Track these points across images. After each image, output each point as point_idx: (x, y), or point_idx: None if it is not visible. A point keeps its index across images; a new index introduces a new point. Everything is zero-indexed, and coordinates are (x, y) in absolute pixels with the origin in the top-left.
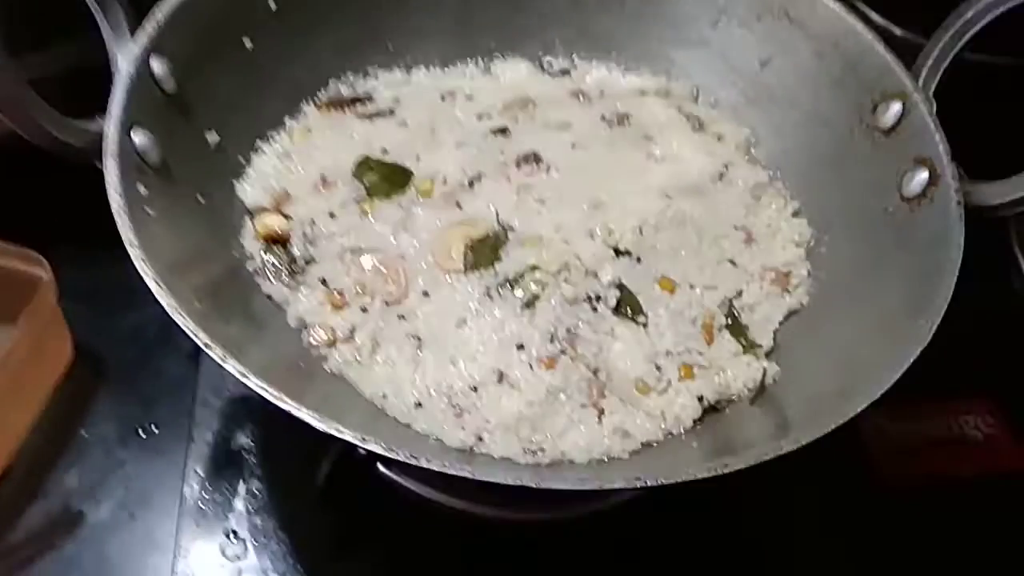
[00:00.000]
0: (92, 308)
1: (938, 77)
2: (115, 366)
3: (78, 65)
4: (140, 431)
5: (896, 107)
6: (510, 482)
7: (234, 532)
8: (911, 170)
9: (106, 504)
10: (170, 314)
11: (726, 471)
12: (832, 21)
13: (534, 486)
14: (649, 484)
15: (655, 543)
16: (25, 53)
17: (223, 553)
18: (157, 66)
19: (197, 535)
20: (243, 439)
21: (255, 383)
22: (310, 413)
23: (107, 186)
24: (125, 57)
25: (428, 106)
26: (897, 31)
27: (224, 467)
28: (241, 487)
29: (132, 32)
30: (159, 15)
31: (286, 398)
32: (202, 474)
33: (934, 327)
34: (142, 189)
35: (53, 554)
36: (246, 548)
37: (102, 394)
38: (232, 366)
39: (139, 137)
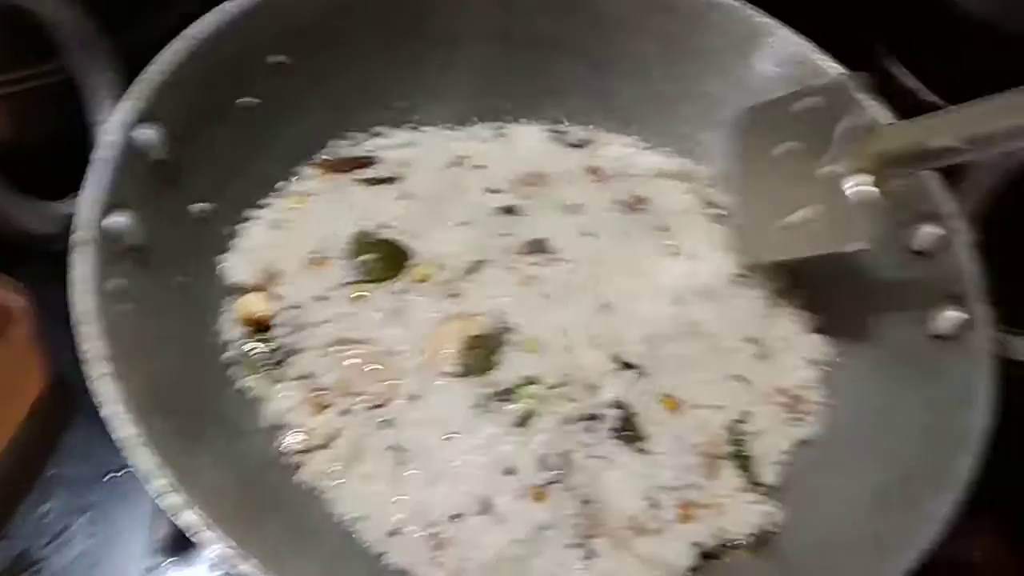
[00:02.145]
0: (69, 331)
1: (987, 200)
2: (90, 397)
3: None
4: (110, 473)
5: (933, 229)
6: None
7: None
8: (942, 306)
9: (68, 551)
10: (126, 449)
11: None
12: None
13: None
14: None
15: None
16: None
17: None
18: (145, 134)
19: None
20: None
21: (217, 535)
22: (255, 566)
23: (74, 288)
24: (107, 127)
25: (435, 173)
26: (930, 96)
27: None
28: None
29: (118, 96)
30: (152, 76)
31: (235, 547)
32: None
33: (953, 509)
34: (117, 283)
35: None
36: None
37: (74, 428)
38: (194, 515)
39: (120, 219)
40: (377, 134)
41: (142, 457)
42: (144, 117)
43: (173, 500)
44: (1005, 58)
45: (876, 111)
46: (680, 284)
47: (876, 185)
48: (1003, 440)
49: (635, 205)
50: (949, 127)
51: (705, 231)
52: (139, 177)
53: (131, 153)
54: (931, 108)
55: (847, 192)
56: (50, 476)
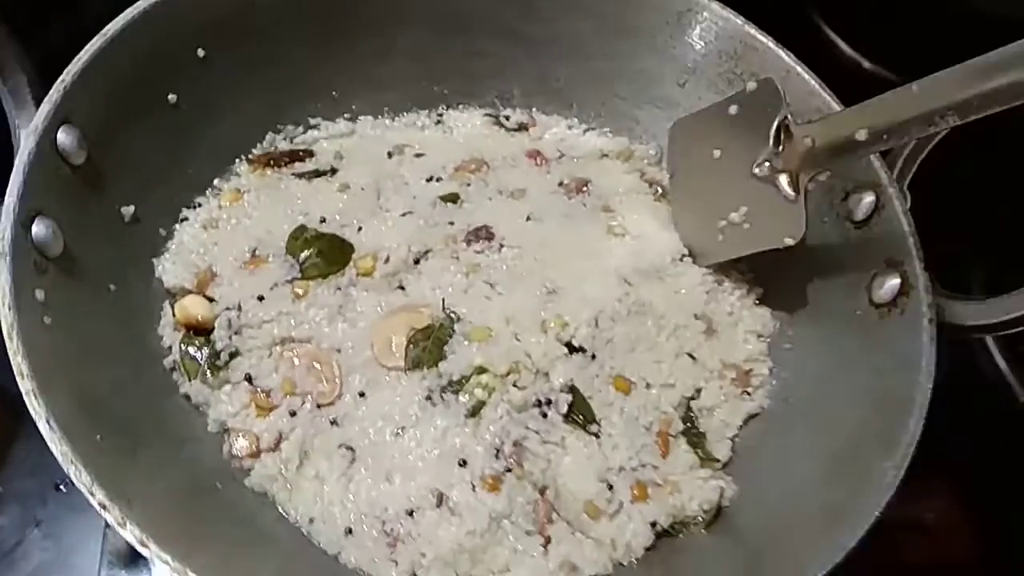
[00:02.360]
0: None
1: (916, 166)
2: None
3: None
4: (61, 485)
5: (868, 198)
6: None
7: None
8: (881, 273)
9: (24, 566)
10: (62, 465)
11: None
12: (806, 96)
13: None
14: None
15: None
16: None
17: None
18: (65, 138)
19: None
20: None
21: (153, 552)
22: None
23: None
24: (23, 133)
25: (374, 164)
26: (866, 64)
27: None
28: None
29: (35, 101)
30: (67, 78)
31: (175, 560)
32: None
33: (900, 474)
34: (40, 295)
35: None
36: None
37: (20, 443)
38: (130, 532)
39: (40, 228)
40: (312, 126)
41: (76, 473)
42: (62, 121)
43: (111, 516)
44: (946, 28)
45: (819, 98)
46: (626, 265)
47: (805, 180)
48: (950, 402)
49: (578, 187)
50: (867, 120)
51: (649, 210)
52: (60, 183)
53: (49, 158)
54: (873, 79)
55: (778, 190)
56: (0, 492)
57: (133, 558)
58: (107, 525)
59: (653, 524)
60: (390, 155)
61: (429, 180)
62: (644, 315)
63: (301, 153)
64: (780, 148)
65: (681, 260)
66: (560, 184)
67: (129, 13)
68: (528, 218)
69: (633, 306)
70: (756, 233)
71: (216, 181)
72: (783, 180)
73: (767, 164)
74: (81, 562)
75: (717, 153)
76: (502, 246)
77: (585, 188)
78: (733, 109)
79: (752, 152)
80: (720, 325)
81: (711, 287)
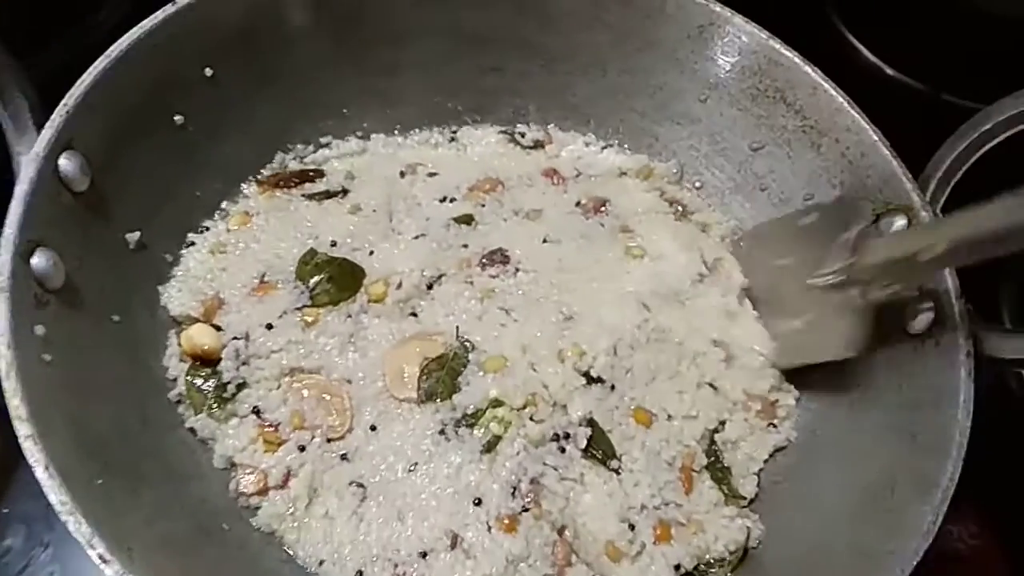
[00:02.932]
0: None
1: (948, 190)
2: None
3: None
4: None
5: (900, 222)
6: None
7: None
8: (915, 302)
9: None
10: (60, 515)
11: None
12: (833, 113)
13: None
14: None
15: None
16: None
17: None
18: (67, 164)
19: None
20: None
21: None
22: None
23: None
24: (27, 159)
25: (385, 184)
26: (888, 70)
27: None
28: None
29: (36, 127)
30: (69, 102)
31: None
32: None
33: (939, 520)
34: (39, 330)
35: None
36: None
37: (26, 464)
38: None
39: (40, 260)
40: (323, 145)
41: (75, 525)
42: (64, 147)
43: (111, 570)
44: (969, 35)
45: (847, 116)
46: (644, 288)
47: (875, 292)
48: (984, 432)
49: (596, 207)
50: (945, 234)
51: (669, 230)
52: (61, 211)
53: (51, 186)
54: (894, 84)
55: (844, 300)
56: (6, 513)
57: None
58: None
59: (677, 567)
60: (402, 174)
61: (442, 201)
62: (663, 342)
63: (311, 173)
64: (844, 264)
65: (701, 281)
66: (577, 204)
67: (133, 33)
68: (544, 240)
69: (652, 333)
70: (817, 342)
71: (224, 204)
72: (853, 292)
73: (827, 277)
74: None
75: (783, 261)
76: (518, 270)
77: (603, 208)
78: (807, 219)
79: (817, 262)
80: (742, 350)
81: (733, 309)
